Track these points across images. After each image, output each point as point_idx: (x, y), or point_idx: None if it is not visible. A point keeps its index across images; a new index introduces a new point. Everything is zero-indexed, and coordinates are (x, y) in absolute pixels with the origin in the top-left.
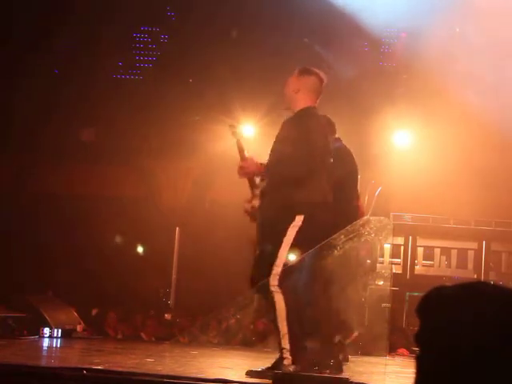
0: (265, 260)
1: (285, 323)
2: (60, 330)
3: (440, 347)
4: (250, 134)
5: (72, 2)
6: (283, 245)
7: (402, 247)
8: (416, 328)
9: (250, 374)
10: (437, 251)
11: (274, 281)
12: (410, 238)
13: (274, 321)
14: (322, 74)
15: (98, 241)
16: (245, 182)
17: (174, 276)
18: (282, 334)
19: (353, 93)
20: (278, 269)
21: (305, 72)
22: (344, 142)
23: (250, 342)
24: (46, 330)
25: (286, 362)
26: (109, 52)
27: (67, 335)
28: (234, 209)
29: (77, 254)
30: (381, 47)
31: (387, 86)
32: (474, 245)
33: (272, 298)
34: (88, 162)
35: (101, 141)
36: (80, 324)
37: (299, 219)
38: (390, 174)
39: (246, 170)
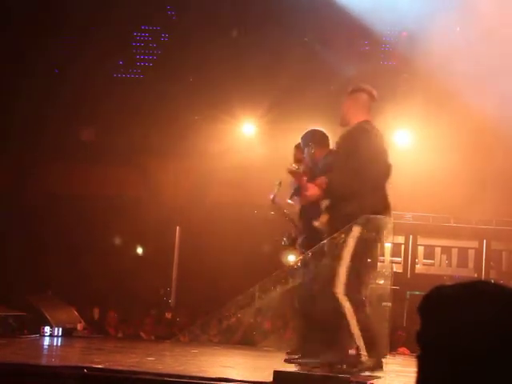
0: (325, 273)
1: (356, 326)
2: (60, 329)
3: (441, 347)
4: (250, 133)
5: (72, 1)
6: (344, 255)
7: (403, 246)
8: (417, 327)
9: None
10: (437, 250)
11: (339, 289)
12: (411, 236)
13: (347, 326)
14: (372, 90)
15: (99, 240)
16: (244, 182)
17: (174, 275)
18: (355, 336)
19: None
20: (342, 278)
21: (356, 90)
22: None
23: (251, 340)
24: (47, 329)
25: (363, 358)
26: (109, 51)
27: (68, 334)
28: (234, 207)
29: (77, 253)
30: (382, 46)
31: (388, 85)
32: (475, 244)
33: (339, 305)
34: (88, 162)
35: (101, 140)
36: (80, 323)
37: (357, 230)
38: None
39: (310, 199)
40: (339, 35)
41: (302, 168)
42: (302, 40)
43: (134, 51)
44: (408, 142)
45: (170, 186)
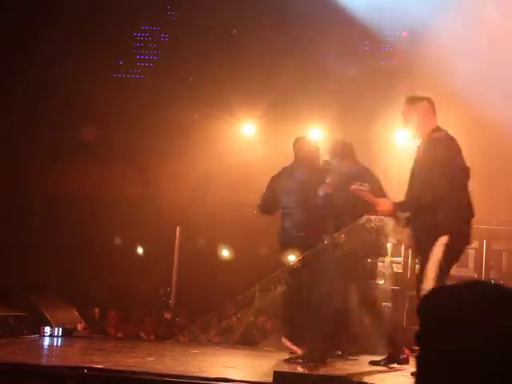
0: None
1: None
2: (60, 329)
3: (441, 347)
4: (250, 132)
5: (72, 1)
6: (431, 262)
7: (403, 246)
8: (416, 327)
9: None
10: None
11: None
12: None
13: None
14: (430, 97)
15: (99, 240)
16: (244, 181)
17: (174, 275)
18: None
19: (354, 91)
20: (429, 286)
21: (415, 100)
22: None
23: (251, 340)
24: (47, 329)
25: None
26: (109, 51)
27: (68, 334)
28: (234, 207)
29: (77, 253)
30: (382, 46)
31: (388, 84)
32: (475, 243)
33: None
34: (88, 161)
35: (100, 140)
36: (80, 323)
37: (444, 238)
38: (391, 172)
39: (384, 213)
40: (339, 35)
41: (367, 186)
42: (301, 40)
43: (134, 51)
44: (408, 141)
45: (169, 185)
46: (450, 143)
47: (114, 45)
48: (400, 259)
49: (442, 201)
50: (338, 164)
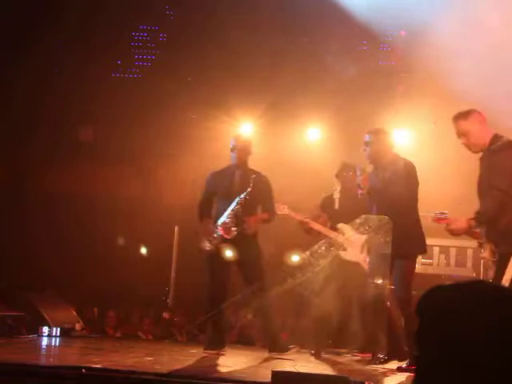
0: None
1: None
2: (59, 329)
3: (439, 347)
4: (247, 132)
5: (70, 1)
6: (505, 277)
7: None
8: (415, 327)
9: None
10: (436, 249)
11: None
12: None
13: None
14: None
15: (97, 240)
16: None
17: (172, 275)
18: None
19: (352, 92)
20: None
21: (467, 114)
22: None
23: (250, 340)
24: (45, 329)
25: None
26: (107, 50)
27: (66, 334)
28: None
29: (76, 253)
30: (380, 46)
31: (386, 84)
32: (473, 243)
33: None
34: (86, 162)
35: (99, 140)
36: (79, 323)
37: None
38: None
39: (457, 233)
40: (338, 35)
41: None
42: (300, 40)
43: (133, 51)
44: (407, 141)
45: (167, 185)
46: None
47: (112, 45)
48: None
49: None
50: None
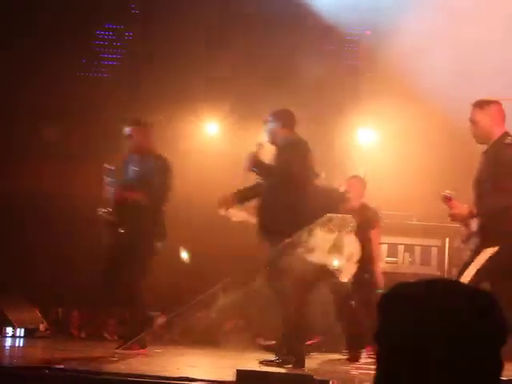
0: None
1: None
2: (23, 330)
3: (400, 346)
4: (214, 132)
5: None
6: (472, 265)
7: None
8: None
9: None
10: (400, 248)
11: None
12: None
13: None
14: (499, 101)
15: (62, 240)
16: (208, 181)
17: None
18: None
19: (318, 91)
20: None
21: (485, 103)
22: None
23: (214, 340)
24: (9, 330)
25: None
26: (72, 49)
27: (30, 335)
28: (199, 206)
29: (40, 253)
30: (345, 45)
31: (352, 83)
32: (438, 242)
33: None
34: (48, 160)
35: (61, 139)
36: (43, 323)
37: (494, 248)
38: (354, 171)
39: (457, 218)
40: (303, 34)
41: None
42: (265, 40)
43: (98, 50)
44: (371, 140)
45: None
46: None
47: (77, 43)
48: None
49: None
50: (278, 130)
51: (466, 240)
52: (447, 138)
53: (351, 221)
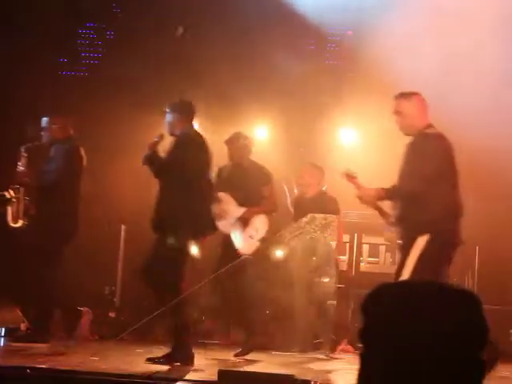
0: None
1: None
2: (3, 329)
3: (384, 344)
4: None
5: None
6: (409, 259)
7: (348, 244)
8: (360, 325)
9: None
10: (382, 248)
11: None
12: (356, 235)
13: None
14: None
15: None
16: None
17: (119, 274)
18: None
19: (299, 91)
20: None
21: (410, 95)
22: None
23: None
24: None
25: None
26: (53, 48)
27: (11, 334)
28: None
29: (22, 251)
30: (327, 45)
31: (333, 83)
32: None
33: None
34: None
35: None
36: (24, 323)
37: (427, 236)
38: (337, 171)
39: (367, 199)
40: (284, 34)
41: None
42: (245, 38)
43: (79, 48)
44: (353, 139)
45: (116, 184)
46: (442, 141)
47: (58, 42)
48: (345, 257)
49: (427, 197)
50: (176, 121)
51: (389, 228)
52: None
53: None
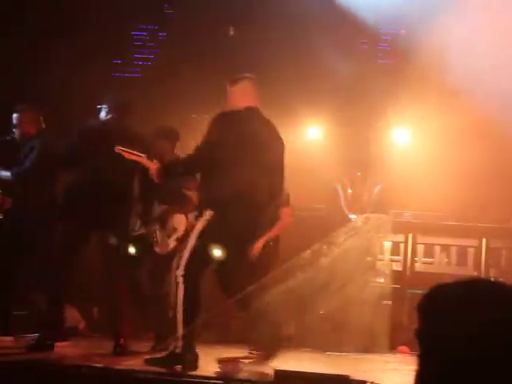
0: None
1: (181, 311)
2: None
3: (442, 346)
4: None
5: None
6: (191, 237)
7: (402, 244)
8: (416, 326)
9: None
10: (437, 248)
11: (179, 271)
12: (410, 235)
13: (174, 309)
14: (252, 76)
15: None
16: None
17: None
18: (177, 320)
19: (352, 91)
20: (183, 260)
21: (235, 81)
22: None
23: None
24: None
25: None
26: (107, 50)
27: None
28: None
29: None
30: (380, 44)
31: (386, 83)
32: (474, 242)
33: (176, 287)
34: None
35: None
36: (81, 322)
37: (209, 214)
38: (391, 171)
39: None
40: (336, 33)
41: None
42: (299, 39)
43: (132, 50)
44: (408, 139)
45: None
46: (223, 119)
47: (111, 44)
48: (400, 257)
49: (205, 176)
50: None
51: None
52: (485, 137)
53: None
